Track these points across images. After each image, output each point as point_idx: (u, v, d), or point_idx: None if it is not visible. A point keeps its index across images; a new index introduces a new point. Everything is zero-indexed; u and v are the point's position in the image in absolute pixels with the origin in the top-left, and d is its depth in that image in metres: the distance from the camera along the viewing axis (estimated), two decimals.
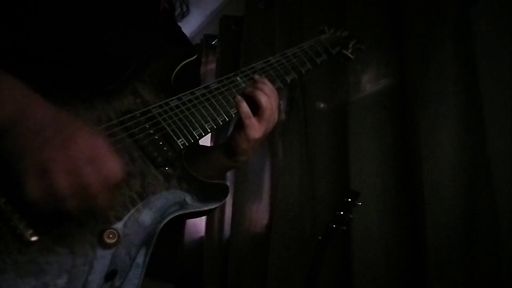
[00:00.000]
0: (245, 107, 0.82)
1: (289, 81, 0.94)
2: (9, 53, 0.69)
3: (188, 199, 0.71)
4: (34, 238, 0.55)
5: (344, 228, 1.53)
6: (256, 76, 0.87)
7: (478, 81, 1.51)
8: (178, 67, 0.82)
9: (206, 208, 0.72)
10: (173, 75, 0.80)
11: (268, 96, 0.83)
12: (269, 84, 0.85)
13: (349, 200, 1.54)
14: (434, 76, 1.59)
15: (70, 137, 0.53)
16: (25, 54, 0.70)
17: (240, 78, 0.86)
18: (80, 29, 0.74)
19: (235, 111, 0.82)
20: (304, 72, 0.97)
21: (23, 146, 0.52)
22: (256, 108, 0.83)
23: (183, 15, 1.02)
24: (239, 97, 0.83)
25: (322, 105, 2.16)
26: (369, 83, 1.91)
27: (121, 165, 0.57)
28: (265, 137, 0.86)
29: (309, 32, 2.22)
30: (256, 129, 0.82)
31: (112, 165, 0.55)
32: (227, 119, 0.81)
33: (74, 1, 0.75)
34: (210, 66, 3.29)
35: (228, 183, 2.66)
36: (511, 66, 1.49)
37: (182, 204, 0.70)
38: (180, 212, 0.69)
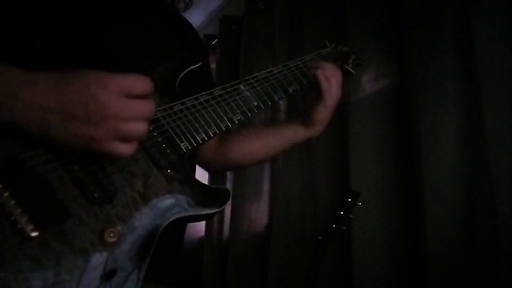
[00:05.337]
0: (321, 77, 0.98)
1: (291, 92, 0.97)
2: (10, 54, 0.69)
3: (190, 202, 0.71)
4: (34, 234, 0.55)
5: (344, 228, 1.53)
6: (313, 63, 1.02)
7: (478, 81, 1.51)
8: (183, 73, 0.82)
9: (206, 212, 0.72)
10: (178, 80, 0.81)
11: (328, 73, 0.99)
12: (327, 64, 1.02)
13: (349, 200, 1.54)
14: (434, 76, 1.59)
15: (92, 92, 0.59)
16: (25, 55, 0.69)
17: (244, 86, 0.89)
18: (81, 29, 0.74)
19: (238, 117, 0.84)
20: (305, 83, 1.01)
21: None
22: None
23: (186, 7, 1.02)
24: (316, 70, 0.99)
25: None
26: (369, 83, 1.91)
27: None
28: (335, 107, 1.02)
29: (309, 32, 2.22)
30: (332, 94, 0.99)
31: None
32: (230, 126, 0.83)
33: (76, 1, 0.75)
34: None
35: (227, 183, 2.70)
36: (511, 66, 1.49)
37: (183, 208, 0.70)
38: (181, 215, 0.68)
